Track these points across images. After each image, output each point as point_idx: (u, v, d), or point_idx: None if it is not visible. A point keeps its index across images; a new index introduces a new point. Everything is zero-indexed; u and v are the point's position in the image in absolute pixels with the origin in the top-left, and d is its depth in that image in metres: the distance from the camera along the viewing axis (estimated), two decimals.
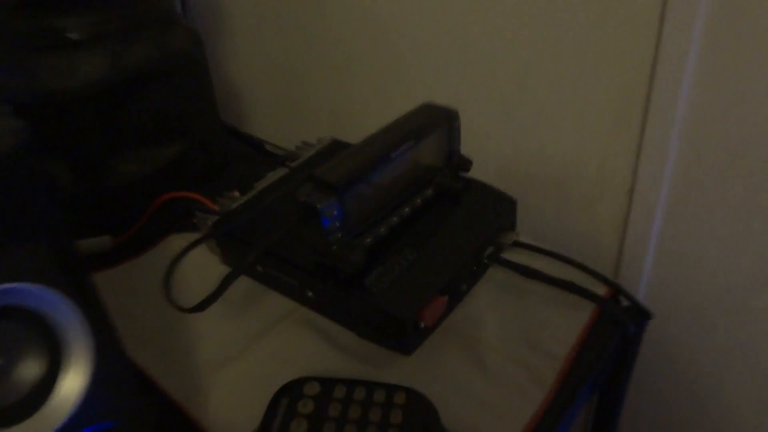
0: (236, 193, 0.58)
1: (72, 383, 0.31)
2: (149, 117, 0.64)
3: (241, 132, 0.78)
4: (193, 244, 0.46)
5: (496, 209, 0.54)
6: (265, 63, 0.82)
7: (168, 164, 0.66)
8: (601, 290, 0.51)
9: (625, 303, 0.52)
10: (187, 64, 0.64)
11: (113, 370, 0.33)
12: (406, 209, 0.50)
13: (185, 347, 0.48)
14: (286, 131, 0.84)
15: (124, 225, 0.61)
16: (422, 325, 0.45)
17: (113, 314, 0.51)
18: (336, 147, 0.65)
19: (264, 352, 0.47)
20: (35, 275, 0.30)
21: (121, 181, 0.63)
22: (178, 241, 0.60)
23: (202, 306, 0.42)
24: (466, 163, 0.54)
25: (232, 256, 0.55)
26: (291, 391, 0.41)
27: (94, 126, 0.60)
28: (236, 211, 0.55)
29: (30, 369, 0.30)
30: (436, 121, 0.51)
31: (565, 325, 0.47)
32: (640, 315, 0.51)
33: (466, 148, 0.54)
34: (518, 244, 0.54)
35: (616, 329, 0.49)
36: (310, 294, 0.50)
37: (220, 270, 0.55)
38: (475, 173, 0.55)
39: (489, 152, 0.66)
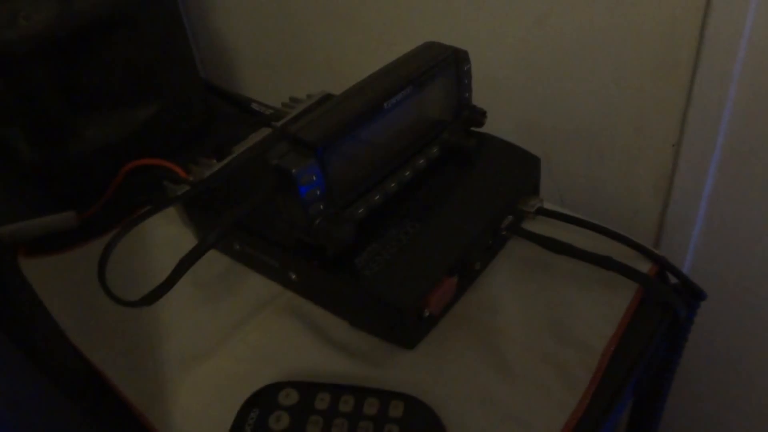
0: (213, 160, 0.53)
1: None
2: (114, 73, 0.59)
3: (225, 90, 0.74)
4: (132, 223, 0.39)
5: (516, 170, 0.49)
6: (252, 9, 0.77)
7: (140, 128, 0.61)
8: (644, 266, 0.45)
9: (671, 281, 0.46)
10: (153, 10, 0.59)
11: (21, 391, 0.28)
12: (407, 173, 0.46)
13: (151, 342, 0.44)
14: (276, 88, 0.80)
15: (92, 198, 0.58)
16: (427, 313, 0.40)
17: (73, 302, 0.46)
18: None
19: (242, 347, 0.43)
20: None
21: (87, 147, 0.59)
22: (152, 218, 0.55)
23: (149, 299, 0.35)
24: (478, 115, 0.49)
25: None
26: (262, 400, 0.35)
27: (49, 85, 0.55)
28: (209, 180, 0.50)
29: None
30: (442, 64, 0.45)
31: (601, 311, 0.43)
32: (691, 295, 0.45)
33: (478, 98, 0.50)
34: (543, 212, 0.49)
35: (664, 314, 0.43)
36: (293, 277, 0.44)
37: None
38: (489, 128, 0.51)
39: (506, 102, 0.61)
